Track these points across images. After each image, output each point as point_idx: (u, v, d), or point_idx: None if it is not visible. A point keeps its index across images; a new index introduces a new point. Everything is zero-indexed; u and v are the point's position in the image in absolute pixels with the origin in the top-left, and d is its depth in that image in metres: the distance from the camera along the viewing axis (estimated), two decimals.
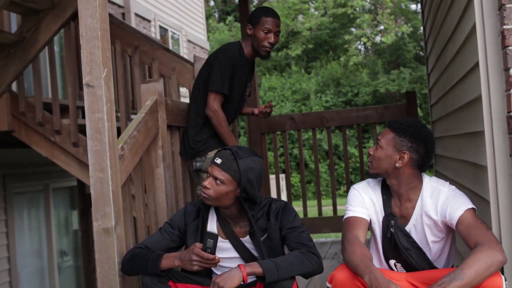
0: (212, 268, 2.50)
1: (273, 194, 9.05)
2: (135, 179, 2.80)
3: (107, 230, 2.36)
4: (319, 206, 5.09)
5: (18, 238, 5.67)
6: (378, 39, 20.47)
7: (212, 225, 2.50)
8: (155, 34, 9.73)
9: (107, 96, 2.37)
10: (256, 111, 3.58)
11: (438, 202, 2.24)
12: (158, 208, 2.90)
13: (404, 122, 2.31)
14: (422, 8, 5.17)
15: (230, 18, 21.54)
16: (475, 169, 2.53)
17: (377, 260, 2.37)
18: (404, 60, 19.05)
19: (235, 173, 2.37)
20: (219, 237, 2.45)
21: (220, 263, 2.43)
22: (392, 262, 2.34)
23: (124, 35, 4.14)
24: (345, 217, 2.37)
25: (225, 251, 2.47)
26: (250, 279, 2.30)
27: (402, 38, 19.21)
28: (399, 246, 2.28)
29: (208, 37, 18.17)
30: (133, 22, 8.72)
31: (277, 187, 5.16)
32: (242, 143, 13.66)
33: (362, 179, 4.62)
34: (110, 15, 3.50)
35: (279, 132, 5.16)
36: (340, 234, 5.68)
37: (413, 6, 20.62)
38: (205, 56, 12.47)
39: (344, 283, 2.07)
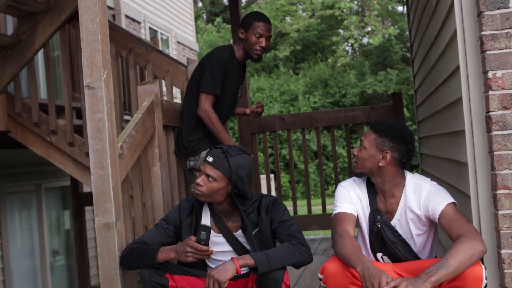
0: (207, 262, 2.61)
1: None
2: (133, 177, 2.89)
3: (108, 225, 2.44)
4: (309, 204, 5.18)
5: (11, 237, 5.69)
6: (365, 40, 20.63)
7: (206, 221, 2.61)
8: (145, 35, 9.78)
9: (107, 97, 2.46)
10: (248, 111, 3.68)
11: (420, 197, 2.36)
12: (155, 205, 3.00)
13: (386, 123, 2.42)
14: (408, 11, 5.26)
15: (218, 19, 21.58)
16: (458, 166, 2.65)
17: (365, 254, 2.47)
18: (391, 61, 19.21)
19: (226, 171, 2.49)
20: (213, 232, 2.56)
21: (214, 257, 2.55)
22: (379, 255, 2.46)
23: (118, 38, 4.22)
24: (333, 213, 2.47)
25: (219, 245, 2.58)
26: (244, 271, 2.40)
27: (389, 40, 19.38)
28: (385, 239, 2.40)
29: (197, 38, 18.23)
30: (123, 24, 8.78)
31: (268, 187, 5.27)
32: None
33: None
34: None
35: (268, 133, 5.26)
36: (329, 232, 5.81)
37: (399, 8, 20.80)
38: (194, 57, 12.54)
39: (335, 274, 2.17)
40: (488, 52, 2.17)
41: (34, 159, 5.58)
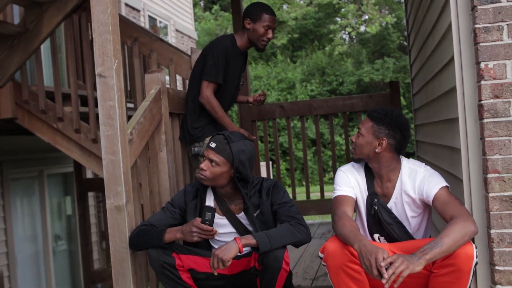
0: (211, 242, 2.73)
1: None
2: (141, 162, 3.00)
3: (118, 207, 2.56)
4: (307, 189, 5.28)
5: (14, 222, 5.78)
6: (362, 29, 20.63)
7: (210, 204, 2.73)
8: (144, 23, 9.82)
9: (118, 85, 2.56)
10: (250, 99, 3.78)
11: (415, 181, 2.48)
12: (162, 189, 3.12)
13: (381, 111, 2.54)
14: (406, 1, 5.33)
15: (216, 7, 21.53)
16: (451, 152, 2.76)
17: (362, 234, 2.62)
18: (388, 50, 19.25)
19: (228, 156, 2.61)
20: (217, 214, 2.69)
21: (218, 238, 2.68)
22: (376, 236, 2.59)
23: (123, 27, 4.28)
24: (333, 196, 2.60)
25: (223, 226, 2.71)
26: (246, 250, 2.54)
27: (386, 28, 19.40)
28: (382, 221, 2.52)
29: (195, 27, 18.23)
30: (123, 12, 8.83)
31: (267, 174, 5.37)
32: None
33: None
34: None
35: (267, 120, 5.35)
36: (326, 217, 5.95)
37: None
38: (192, 45, 12.58)
39: (335, 252, 2.29)
40: (481, 44, 2.27)
41: (36, 146, 5.65)
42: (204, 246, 2.71)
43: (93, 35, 2.56)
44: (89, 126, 4.00)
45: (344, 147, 14.44)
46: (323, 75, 18.29)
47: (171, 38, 11.12)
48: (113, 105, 2.54)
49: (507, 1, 2.25)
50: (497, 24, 2.26)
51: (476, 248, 2.23)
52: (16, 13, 4.78)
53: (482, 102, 2.28)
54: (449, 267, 2.20)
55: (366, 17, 20.26)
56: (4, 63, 4.04)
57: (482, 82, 2.28)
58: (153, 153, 3.12)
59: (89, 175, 6.83)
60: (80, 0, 3.95)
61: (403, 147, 2.54)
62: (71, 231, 6.76)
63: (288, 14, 19.85)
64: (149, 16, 10.20)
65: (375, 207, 2.54)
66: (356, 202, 2.59)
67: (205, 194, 2.76)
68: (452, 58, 2.44)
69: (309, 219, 6.15)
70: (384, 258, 2.10)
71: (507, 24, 2.25)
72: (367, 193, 2.58)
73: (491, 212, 2.28)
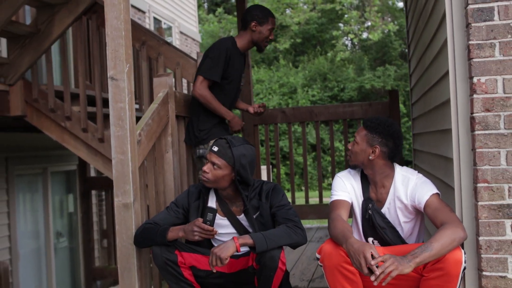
0: (212, 241, 2.84)
1: None
2: (148, 162, 3.12)
3: (126, 205, 2.67)
4: (306, 194, 5.36)
5: (18, 218, 5.84)
6: (365, 35, 20.71)
7: (212, 205, 2.84)
8: (149, 25, 9.92)
9: (129, 88, 2.68)
10: (251, 109, 3.89)
11: (408, 188, 2.59)
12: (167, 189, 3.23)
13: (375, 121, 2.65)
14: (407, 13, 5.41)
15: (219, 9, 21.60)
16: (446, 161, 2.86)
17: (357, 238, 2.72)
18: (390, 57, 19.30)
19: (230, 159, 2.73)
20: (218, 215, 2.80)
21: (219, 237, 2.79)
22: (370, 239, 2.70)
23: (132, 30, 4.38)
24: (330, 200, 2.71)
25: (224, 227, 2.82)
26: (244, 250, 2.65)
27: (388, 36, 19.45)
28: (376, 225, 2.63)
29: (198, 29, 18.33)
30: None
31: (267, 178, 5.46)
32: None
33: None
34: None
35: (268, 125, 5.44)
36: (324, 221, 6.06)
37: (400, 4, 20.87)
38: (196, 47, 12.70)
39: (330, 253, 2.39)
40: (474, 60, 2.39)
41: (41, 143, 5.73)
42: (205, 245, 2.81)
43: (106, 39, 2.67)
44: (96, 126, 4.11)
45: (343, 153, 14.51)
46: (324, 80, 18.33)
47: (175, 40, 11.23)
48: (123, 107, 2.66)
49: (500, 20, 2.37)
50: (490, 41, 2.37)
51: (465, 253, 2.33)
52: (28, 14, 4.89)
53: (474, 115, 2.40)
54: (438, 271, 2.30)
55: (369, 24, 20.35)
56: (16, 62, 4.16)
57: (475, 96, 2.39)
58: (159, 154, 3.23)
59: (93, 174, 6.92)
60: (90, 2, 4.08)
61: (396, 155, 2.65)
62: (73, 229, 6.80)
63: (291, 18, 19.92)
64: (154, 18, 10.31)
65: (370, 211, 2.64)
66: (352, 207, 2.70)
67: (208, 195, 2.87)
68: (447, 72, 2.55)
69: (307, 223, 6.26)
70: (372, 255, 2.19)
71: (499, 42, 2.37)
72: (362, 198, 2.69)
73: (479, 220, 2.39)
